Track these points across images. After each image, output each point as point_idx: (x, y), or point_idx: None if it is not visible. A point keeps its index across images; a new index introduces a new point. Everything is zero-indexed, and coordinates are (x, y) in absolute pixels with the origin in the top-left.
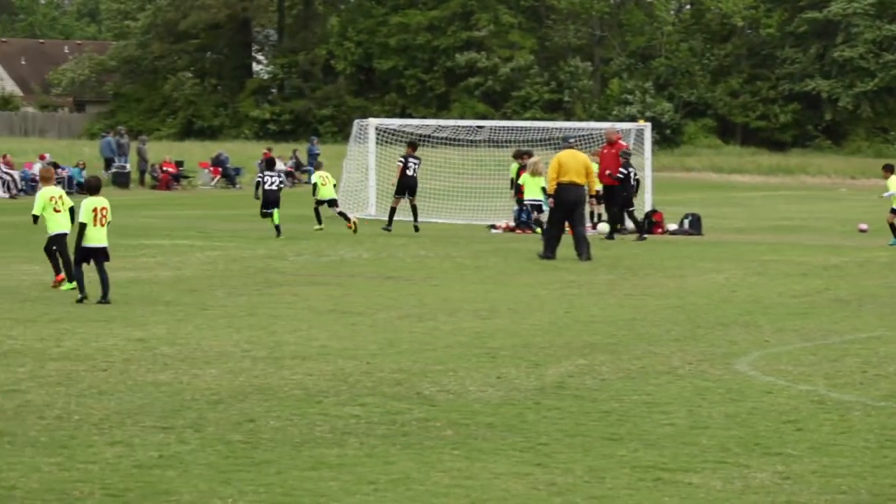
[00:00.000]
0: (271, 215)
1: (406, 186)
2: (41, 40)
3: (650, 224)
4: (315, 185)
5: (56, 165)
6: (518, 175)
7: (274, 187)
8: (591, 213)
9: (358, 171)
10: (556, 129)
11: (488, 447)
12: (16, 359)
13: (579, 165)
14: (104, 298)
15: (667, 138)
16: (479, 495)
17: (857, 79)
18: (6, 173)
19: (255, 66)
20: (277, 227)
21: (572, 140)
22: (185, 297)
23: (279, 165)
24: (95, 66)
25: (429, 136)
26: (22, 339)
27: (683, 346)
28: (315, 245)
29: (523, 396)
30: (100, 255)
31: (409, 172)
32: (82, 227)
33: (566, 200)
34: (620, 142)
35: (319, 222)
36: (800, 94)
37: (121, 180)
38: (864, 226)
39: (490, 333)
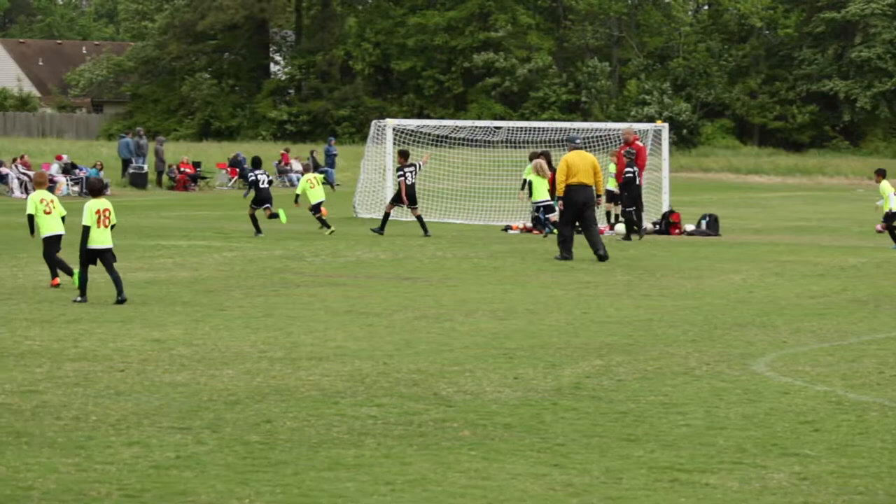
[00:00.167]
0: (278, 215)
1: (407, 196)
2: (59, 41)
3: (668, 225)
4: (303, 191)
5: (74, 166)
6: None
7: (266, 185)
8: (608, 214)
9: (375, 171)
10: (574, 129)
11: (505, 448)
12: (33, 359)
13: (587, 166)
14: (120, 296)
15: (684, 139)
16: (497, 496)
17: (874, 79)
18: (24, 174)
19: (273, 67)
20: (323, 222)
21: (578, 141)
22: (202, 298)
23: (296, 166)
24: (113, 66)
25: (446, 137)
26: (39, 340)
27: (700, 347)
28: (332, 246)
29: (540, 397)
30: (107, 255)
31: (409, 182)
32: (86, 229)
33: (576, 201)
34: (637, 143)
35: (328, 226)
36: (817, 94)
37: (138, 181)
38: (881, 227)
39: (507, 334)
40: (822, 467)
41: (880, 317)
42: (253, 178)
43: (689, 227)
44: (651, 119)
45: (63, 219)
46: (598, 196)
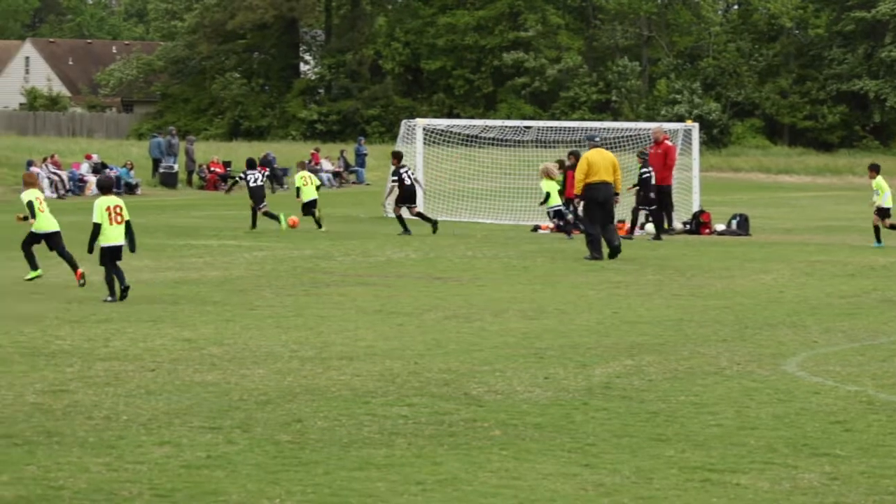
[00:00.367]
0: (275, 216)
1: (407, 195)
2: (89, 41)
3: (698, 224)
4: (297, 188)
5: (104, 166)
6: (564, 176)
7: (259, 184)
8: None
9: None
10: (595, 129)
11: (536, 448)
12: (64, 359)
13: (607, 163)
14: (123, 291)
15: (714, 138)
16: (527, 496)
17: None
18: (54, 173)
19: (303, 67)
20: (317, 222)
21: (598, 139)
22: (232, 298)
23: (326, 165)
24: (143, 66)
25: (476, 137)
26: (70, 340)
27: (731, 347)
28: (362, 245)
29: (571, 397)
30: (115, 253)
31: (407, 182)
32: (96, 227)
33: (597, 199)
34: (667, 142)
35: (319, 226)
36: (847, 94)
37: (168, 180)
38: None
39: (537, 334)
40: (853, 467)
41: None
42: (242, 176)
43: (720, 226)
44: (681, 118)
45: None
46: (617, 194)
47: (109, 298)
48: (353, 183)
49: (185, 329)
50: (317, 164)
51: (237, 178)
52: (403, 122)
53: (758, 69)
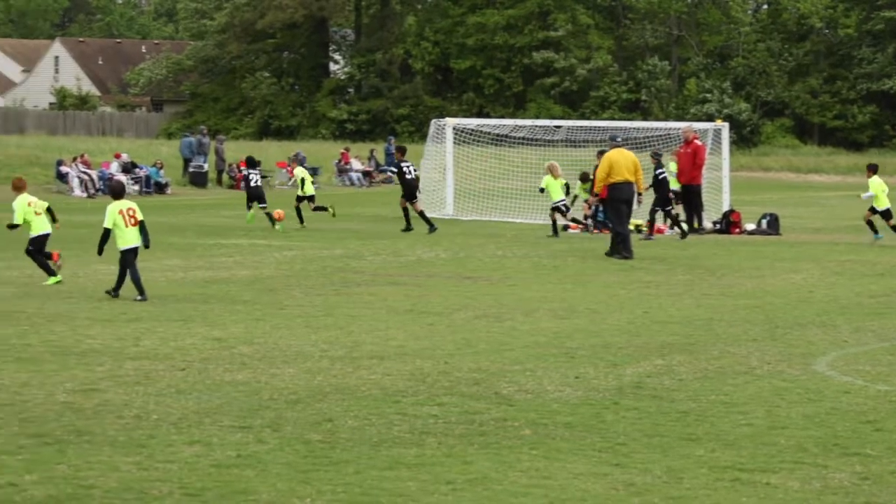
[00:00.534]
0: (269, 213)
1: (408, 189)
2: (118, 40)
3: (728, 224)
4: (302, 179)
5: (134, 165)
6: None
7: (259, 183)
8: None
9: (435, 170)
10: (634, 128)
11: (566, 447)
12: (94, 358)
13: (629, 163)
14: (115, 291)
15: (744, 138)
16: (558, 495)
17: None
18: (84, 173)
19: (332, 66)
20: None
21: (619, 139)
22: (262, 297)
23: (356, 165)
24: (173, 65)
25: (506, 136)
26: (100, 339)
27: (761, 347)
28: (392, 245)
29: (601, 396)
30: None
31: (408, 176)
32: (107, 232)
33: (620, 199)
34: (696, 141)
35: (301, 221)
36: (877, 93)
37: (198, 180)
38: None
39: (568, 333)
40: (884, 467)
41: None
42: (245, 174)
43: (750, 226)
44: (710, 118)
45: (49, 210)
46: (640, 194)
47: (140, 298)
48: (383, 182)
49: (215, 328)
50: (347, 163)
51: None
52: (433, 121)
53: (787, 69)
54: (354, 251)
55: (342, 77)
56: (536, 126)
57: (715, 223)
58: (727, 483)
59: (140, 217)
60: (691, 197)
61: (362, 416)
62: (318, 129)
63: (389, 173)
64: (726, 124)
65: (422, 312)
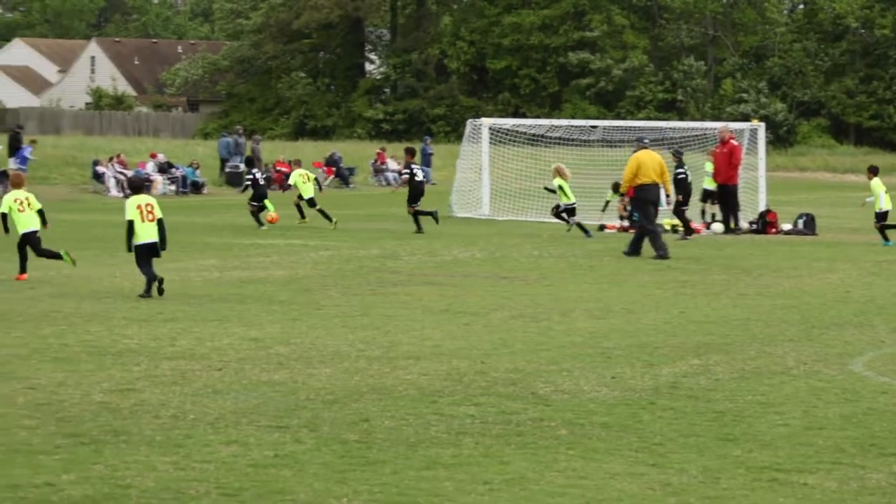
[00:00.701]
0: (264, 208)
1: (418, 193)
2: (154, 40)
3: (764, 224)
4: (295, 183)
5: (170, 165)
6: None
7: (263, 182)
8: (703, 213)
9: (471, 170)
10: (670, 128)
11: (603, 447)
12: (131, 358)
13: (656, 165)
14: (159, 284)
15: (780, 138)
16: (594, 495)
17: None
18: (120, 173)
19: (368, 66)
20: (301, 213)
21: (647, 141)
22: (299, 297)
23: (392, 165)
24: (208, 65)
25: (542, 136)
26: (137, 339)
27: (798, 347)
28: (428, 245)
29: (638, 396)
30: (152, 251)
31: (418, 178)
32: (130, 224)
33: (648, 200)
34: (732, 141)
35: (302, 216)
36: None
37: (235, 180)
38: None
39: (604, 333)
40: None
41: None
42: (251, 176)
43: (786, 226)
44: (746, 117)
45: (41, 212)
46: (668, 196)
47: (144, 294)
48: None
49: (251, 328)
50: (383, 163)
51: (251, 178)
52: (469, 121)
53: (823, 69)
54: (391, 251)
55: (378, 77)
56: (572, 126)
57: (751, 223)
58: (764, 483)
59: (159, 214)
60: (728, 197)
61: (399, 416)
62: (353, 128)
63: (405, 176)
64: (762, 124)
65: (458, 312)
